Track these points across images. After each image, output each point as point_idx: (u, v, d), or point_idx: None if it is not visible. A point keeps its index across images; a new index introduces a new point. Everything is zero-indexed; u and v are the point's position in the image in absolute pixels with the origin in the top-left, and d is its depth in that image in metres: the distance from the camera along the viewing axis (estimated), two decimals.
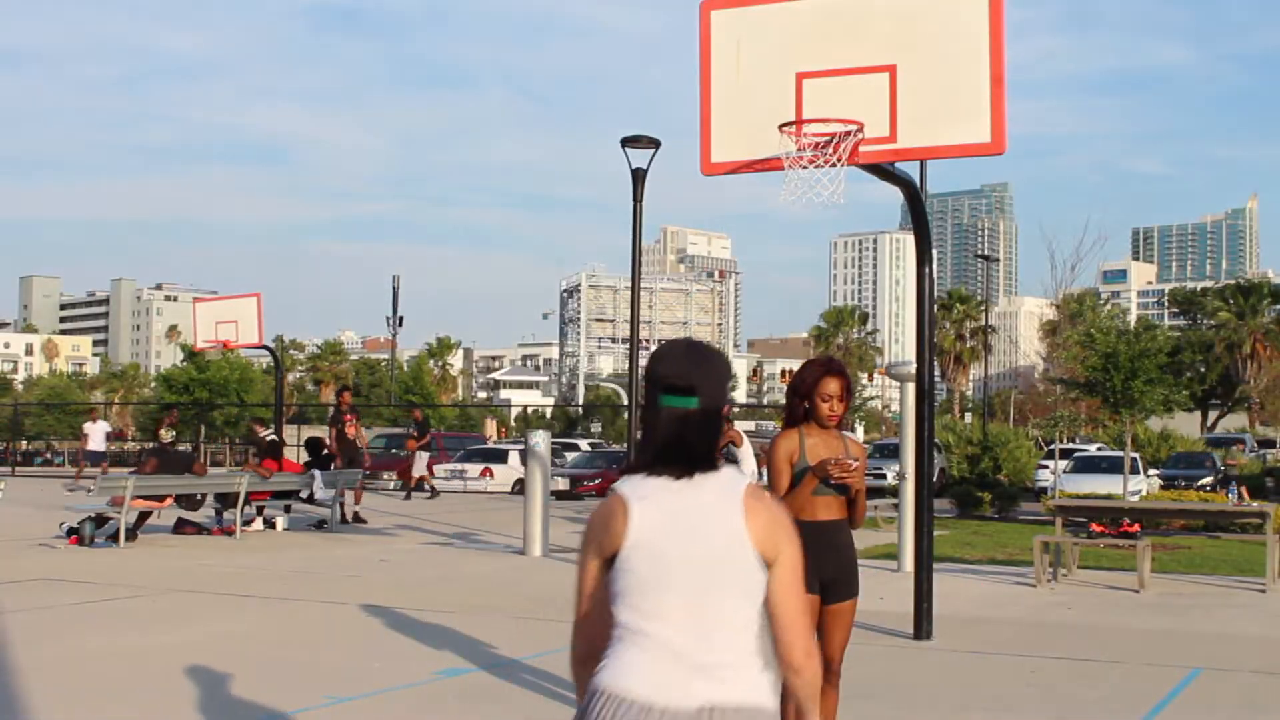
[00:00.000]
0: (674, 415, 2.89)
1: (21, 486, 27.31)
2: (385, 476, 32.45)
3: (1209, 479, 30.26)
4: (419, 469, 28.02)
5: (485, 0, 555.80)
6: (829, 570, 5.25)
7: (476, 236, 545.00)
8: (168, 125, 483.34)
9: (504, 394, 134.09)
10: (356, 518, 19.84)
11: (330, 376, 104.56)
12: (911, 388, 12.67)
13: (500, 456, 33.21)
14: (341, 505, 19.63)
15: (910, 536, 12.43)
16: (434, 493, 27.88)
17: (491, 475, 32.09)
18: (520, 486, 22.34)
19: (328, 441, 20.96)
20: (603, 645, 2.88)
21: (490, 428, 68.95)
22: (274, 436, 20.30)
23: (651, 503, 2.85)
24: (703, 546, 2.81)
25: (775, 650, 2.90)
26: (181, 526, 17.63)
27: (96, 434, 30.07)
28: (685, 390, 2.91)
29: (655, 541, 2.82)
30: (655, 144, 16.04)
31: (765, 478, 20.51)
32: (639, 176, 16.06)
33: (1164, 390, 23.97)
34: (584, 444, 46.06)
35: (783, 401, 5.65)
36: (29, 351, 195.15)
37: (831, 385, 5.44)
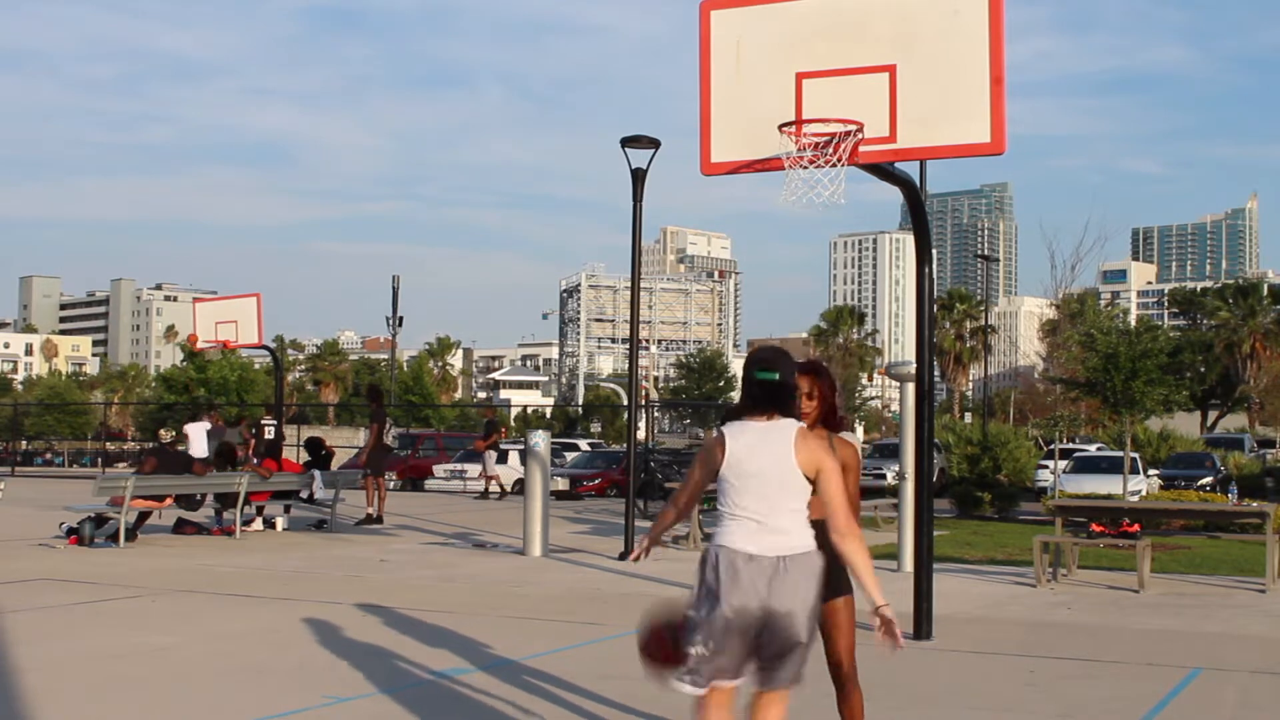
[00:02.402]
0: (762, 383, 4.85)
1: (21, 486, 27.33)
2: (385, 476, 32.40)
3: (1209, 479, 30.23)
4: (490, 469, 28.13)
5: (485, 0, 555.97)
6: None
7: (476, 236, 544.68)
8: (168, 125, 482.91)
9: (504, 394, 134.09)
10: (379, 518, 19.80)
11: (330, 376, 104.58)
12: (911, 388, 12.67)
13: (500, 457, 33.16)
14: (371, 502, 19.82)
15: (910, 536, 12.44)
16: (502, 493, 27.87)
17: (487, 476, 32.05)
18: (520, 486, 22.33)
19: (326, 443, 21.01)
20: (682, 515, 5.22)
21: None
22: (271, 433, 20.32)
23: (739, 438, 4.81)
24: (767, 464, 4.75)
25: (829, 523, 4.77)
26: (181, 526, 17.63)
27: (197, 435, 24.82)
28: (771, 369, 4.88)
29: (740, 462, 4.77)
30: (655, 144, 16.03)
31: None
32: (639, 176, 16.06)
33: (1164, 390, 23.95)
34: (584, 444, 46.04)
35: None
36: (29, 351, 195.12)
37: (800, 383, 5.48)
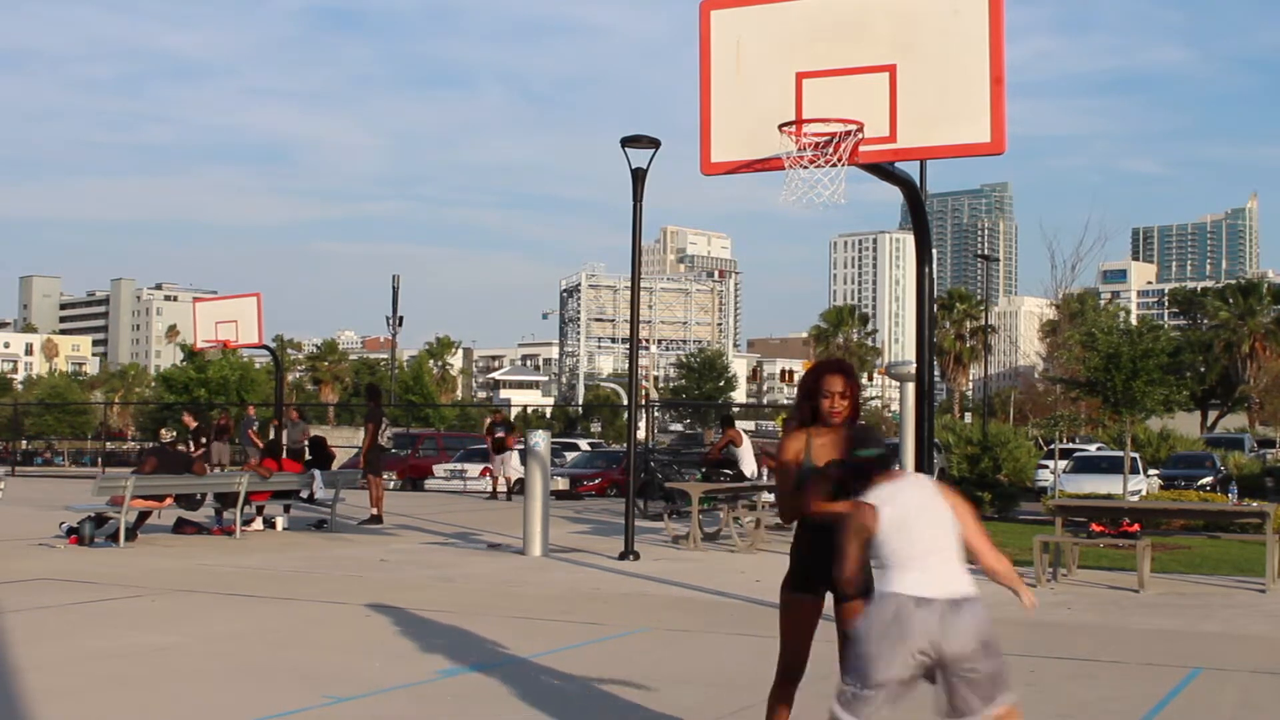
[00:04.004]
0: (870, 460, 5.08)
1: (21, 486, 27.33)
2: (384, 476, 32.40)
3: (1209, 479, 30.24)
4: (508, 469, 28.19)
5: (485, 0, 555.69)
6: (842, 570, 5.24)
7: (476, 236, 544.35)
8: (168, 125, 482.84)
9: (504, 394, 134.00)
10: (379, 518, 19.81)
11: (330, 376, 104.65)
12: (911, 388, 12.67)
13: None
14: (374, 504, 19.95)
15: None
16: (509, 494, 27.87)
17: (491, 475, 32.09)
18: (520, 486, 22.35)
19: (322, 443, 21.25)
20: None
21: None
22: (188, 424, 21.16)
23: (888, 501, 4.91)
24: (931, 516, 4.93)
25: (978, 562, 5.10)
26: (181, 526, 17.62)
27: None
28: (872, 445, 5.10)
29: (903, 519, 4.88)
30: (655, 144, 16.02)
31: (766, 476, 20.51)
32: (639, 176, 16.05)
33: (1165, 391, 23.93)
34: (584, 444, 46.03)
35: (782, 401, 5.73)
36: (29, 351, 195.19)
37: (833, 382, 5.49)
